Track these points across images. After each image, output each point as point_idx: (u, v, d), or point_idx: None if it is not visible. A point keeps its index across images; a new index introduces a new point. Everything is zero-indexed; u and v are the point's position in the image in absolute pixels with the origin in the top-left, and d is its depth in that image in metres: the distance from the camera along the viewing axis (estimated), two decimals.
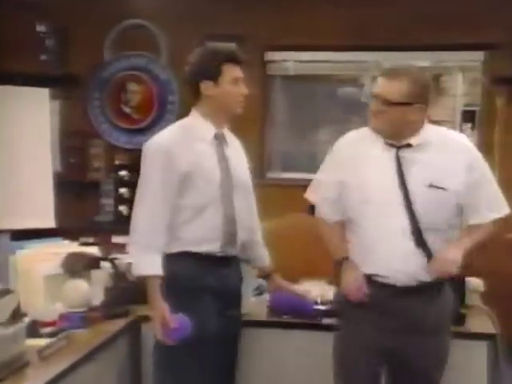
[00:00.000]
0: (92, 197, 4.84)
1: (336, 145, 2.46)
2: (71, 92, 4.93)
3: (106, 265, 2.71)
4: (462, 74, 4.86)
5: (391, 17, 4.63)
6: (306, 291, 2.69)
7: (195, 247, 2.25)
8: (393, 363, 2.32)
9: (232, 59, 2.29)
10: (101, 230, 4.34)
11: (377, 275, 2.25)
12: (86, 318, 2.43)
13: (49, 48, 4.90)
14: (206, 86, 2.26)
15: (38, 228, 4.01)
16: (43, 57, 4.87)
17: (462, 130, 4.75)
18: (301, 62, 4.95)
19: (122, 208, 4.68)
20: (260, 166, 4.94)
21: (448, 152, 2.24)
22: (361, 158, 2.32)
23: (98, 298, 2.58)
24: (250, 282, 2.82)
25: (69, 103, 4.92)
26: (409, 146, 2.25)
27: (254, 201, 2.54)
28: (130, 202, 4.62)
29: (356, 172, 2.29)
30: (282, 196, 4.69)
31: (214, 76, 2.26)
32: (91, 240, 3.17)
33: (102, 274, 2.67)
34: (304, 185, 4.74)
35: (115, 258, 2.75)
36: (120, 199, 4.71)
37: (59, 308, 2.47)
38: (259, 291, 2.97)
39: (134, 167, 2.38)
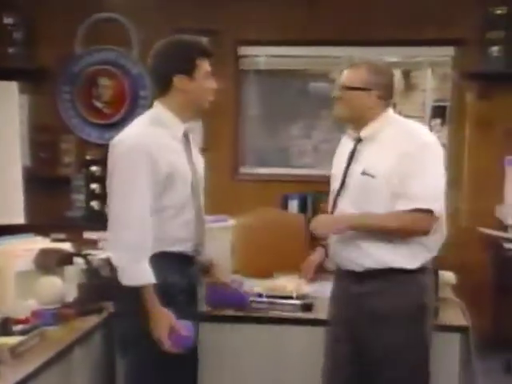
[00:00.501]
0: (63, 192, 4.79)
1: None
2: (40, 86, 4.87)
3: (78, 261, 2.67)
4: (431, 69, 4.92)
5: (363, 12, 4.67)
6: (239, 284, 2.64)
7: (171, 247, 2.22)
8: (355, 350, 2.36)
9: (205, 53, 2.26)
10: (72, 225, 4.28)
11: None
12: (59, 314, 2.40)
13: (17, 41, 4.82)
14: (181, 81, 2.21)
15: (8, 224, 3.94)
16: (11, 50, 4.79)
17: (431, 126, 4.81)
18: (273, 56, 4.96)
19: (94, 203, 4.64)
20: (233, 161, 4.94)
21: (391, 141, 2.30)
22: (338, 153, 2.50)
23: (71, 295, 2.55)
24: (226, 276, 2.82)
25: (38, 97, 4.86)
26: (361, 139, 2.36)
27: None
28: (101, 197, 4.59)
29: (333, 166, 2.50)
30: (256, 191, 4.70)
31: (189, 70, 2.22)
32: (63, 236, 3.11)
33: (75, 270, 2.64)
34: (277, 179, 4.83)
35: (88, 254, 2.72)
36: (91, 195, 4.67)
37: (31, 305, 2.44)
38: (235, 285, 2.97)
39: (106, 162, 2.30)
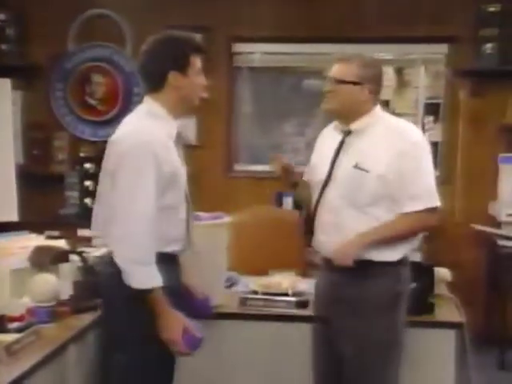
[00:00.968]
0: (56, 190, 4.78)
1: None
2: (33, 83, 4.86)
3: (73, 258, 2.66)
4: (424, 66, 4.93)
5: (356, 9, 4.68)
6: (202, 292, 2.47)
7: (166, 248, 2.20)
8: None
9: (198, 49, 2.25)
10: (66, 223, 4.27)
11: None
12: (55, 312, 2.38)
13: (9, 37, 4.81)
14: (175, 77, 2.19)
15: (2, 222, 3.92)
16: (4, 46, 4.78)
17: (424, 123, 4.83)
18: (267, 53, 4.96)
19: (87, 201, 4.63)
20: (227, 159, 4.94)
21: (383, 137, 2.33)
22: (320, 144, 2.54)
23: (66, 292, 2.54)
24: (221, 273, 2.82)
25: (31, 94, 4.85)
26: (350, 132, 2.38)
27: None
28: (95, 194, 4.56)
29: (313, 156, 2.54)
30: (250, 188, 4.70)
31: (183, 67, 2.21)
32: (57, 233, 3.10)
33: (70, 268, 2.62)
34: (271, 177, 4.82)
35: (83, 252, 2.70)
36: (85, 192, 4.66)
37: (26, 302, 2.43)
38: (230, 283, 2.97)
39: (100, 160, 2.27)
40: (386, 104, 4.69)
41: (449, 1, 4.58)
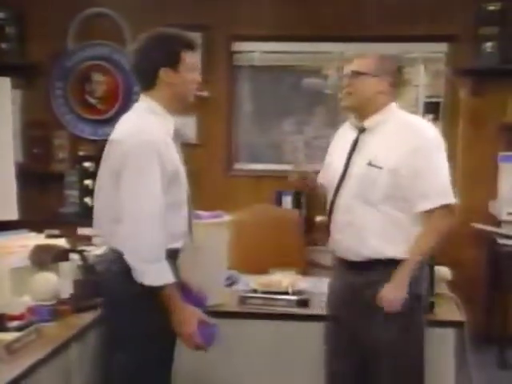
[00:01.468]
0: (56, 188, 4.77)
1: None
2: (33, 82, 4.85)
3: (74, 257, 2.66)
4: (424, 65, 4.92)
5: (356, 8, 4.67)
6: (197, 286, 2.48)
7: (170, 244, 2.20)
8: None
9: (189, 46, 2.25)
10: (65, 221, 4.27)
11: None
12: (55, 310, 2.39)
13: (9, 36, 4.79)
14: (166, 73, 2.20)
15: (2, 220, 3.92)
16: (3, 45, 4.77)
17: None
18: (266, 52, 4.95)
19: (87, 199, 4.62)
20: (227, 157, 4.94)
21: (396, 134, 2.33)
22: (335, 144, 2.54)
23: (66, 291, 2.54)
24: (222, 272, 2.82)
25: (31, 93, 4.84)
26: (364, 129, 2.38)
27: None
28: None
29: (328, 157, 2.55)
30: (249, 187, 4.70)
31: (175, 63, 2.21)
32: (57, 232, 3.10)
33: (71, 267, 2.62)
34: (270, 175, 4.83)
35: (84, 250, 2.70)
36: (85, 191, 4.65)
37: (27, 301, 2.43)
38: (230, 281, 2.97)
39: (100, 158, 2.27)
40: None
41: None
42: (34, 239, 2.77)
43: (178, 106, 2.27)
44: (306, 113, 5.07)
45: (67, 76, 4.84)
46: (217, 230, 2.71)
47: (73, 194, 4.73)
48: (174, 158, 2.19)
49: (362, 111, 2.39)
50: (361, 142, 2.38)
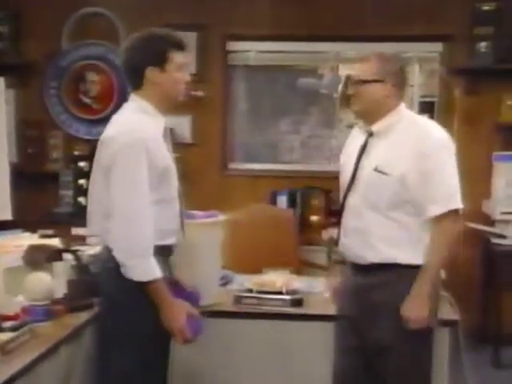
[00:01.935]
0: (50, 188, 4.77)
1: None
2: (27, 81, 4.84)
3: (68, 257, 2.66)
4: (419, 65, 4.93)
5: (351, 8, 4.68)
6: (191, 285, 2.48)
7: (161, 241, 2.22)
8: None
9: (178, 46, 2.26)
10: (60, 221, 4.27)
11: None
12: (49, 310, 2.38)
13: (3, 35, 4.79)
14: (153, 73, 2.22)
15: None
16: None
17: None
18: (262, 52, 4.95)
19: (82, 199, 4.61)
20: (222, 157, 4.94)
21: (404, 138, 2.30)
22: (348, 145, 2.51)
23: (60, 291, 2.53)
24: (216, 271, 2.82)
25: (25, 92, 4.83)
26: (372, 133, 2.36)
27: None
28: None
29: (342, 157, 2.52)
30: (245, 186, 4.70)
31: (161, 62, 2.22)
32: (51, 232, 3.10)
33: (64, 267, 2.61)
34: (266, 175, 4.83)
35: (77, 250, 2.70)
36: (79, 190, 4.64)
37: (21, 301, 2.42)
38: (225, 281, 2.97)
39: (94, 158, 2.29)
40: None
41: None
42: (27, 239, 2.76)
43: (168, 105, 2.29)
44: (302, 112, 5.07)
45: (62, 75, 4.83)
46: (211, 230, 2.71)
47: (67, 193, 4.72)
48: (165, 156, 2.21)
49: (371, 116, 2.37)
50: (369, 146, 2.36)
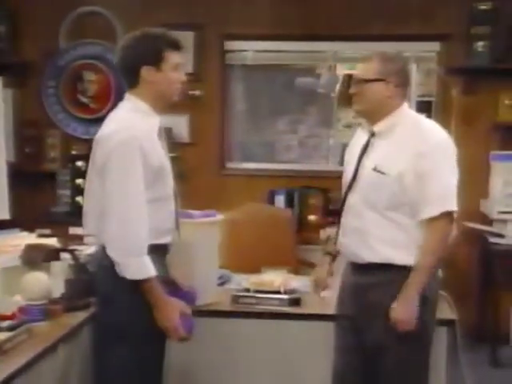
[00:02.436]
0: (48, 188, 4.77)
1: None
2: (25, 80, 4.83)
3: (65, 256, 2.66)
4: (416, 64, 4.93)
5: (349, 7, 4.68)
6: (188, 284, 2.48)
7: (157, 240, 2.22)
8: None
9: (173, 45, 2.26)
10: (57, 221, 4.26)
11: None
12: (47, 310, 2.38)
13: (1, 35, 4.77)
14: (148, 72, 2.22)
15: None
16: None
17: None
18: (259, 51, 4.95)
19: (79, 199, 4.60)
20: (220, 156, 4.93)
21: (404, 138, 2.30)
22: (352, 144, 2.51)
23: (57, 290, 2.53)
24: (214, 271, 2.81)
25: (23, 92, 4.83)
26: (374, 133, 2.36)
27: None
28: None
29: (346, 157, 2.52)
30: (242, 186, 4.70)
31: (157, 62, 2.23)
32: (48, 231, 3.10)
33: (62, 266, 2.61)
34: (263, 174, 4.84)
35: (75, 250, 2.70)
36: (77, 190, 4.63)
37: (18, 301, 2.42)
38: (222, 281, 2.97)
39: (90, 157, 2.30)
40: None
41: None
42: (25, 238, 2.77)
43: (163, 104, 2.30)
44: (300, 112, 5.07)
45: (59, 75, 4.83)
46: (209, 229, 2.71)
47: (65, 193, 4.72)
48: (159, 155, 2.22)
49: (373, 116, 2.36)
50: (371, 145, 2.36)
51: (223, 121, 4.97)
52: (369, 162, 2.34)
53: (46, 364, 2.10)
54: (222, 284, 2.95)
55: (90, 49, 4.83)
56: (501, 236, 4.28)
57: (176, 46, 2.27)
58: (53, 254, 2.64)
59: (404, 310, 2.26)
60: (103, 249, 2.19)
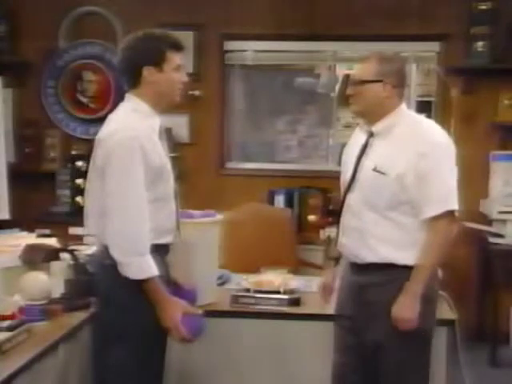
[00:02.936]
0: (48, 188, 4.77)
1: None
2: (25, 80, 4.84)
3: (65, 256, 2.66)
4: (416, 64, 4.94)
5: (348, 7, 4.68)
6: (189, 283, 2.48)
7: (158, 239, 2.22)
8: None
9: (175, 46, 2.27)
10: (57, 221, 4.26)
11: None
12: (47, 310, 2.38)
13: (0, 34, 4.77)
14: (150, 72, 2.22)
15: None
16: None
17: None
18: (258, 51, 4.96)
19: (79, 199, 4.61)
20: (219, 156, 4.94)
21: (404, 139, 2.30)
22: (350, 144, 2.50)
23: (57, 290, 2.54)
24: (213, 271, 2.82)
25: (22, 92, 4.83)
26: (373, 133, 2.36)
27: None
28: None
29: (344, 157, 2.52)
30: (242, 186, 4.70)
31: (158, 62, 2.23)
32: (48, 231, 3.10)
33: (62, 266, 2.62)
34: (263, 174, 4.84)
35: (75, 250, 2.70)
36: (77, 190, 4.64)
37: (18, 301, 2.42)
38: (222, 280, 2.97)
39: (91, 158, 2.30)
40: None
41: None
42: (25, 238, 2.77)
43: (164, 105, 2.30)
44: (299, 112, 5.08)
45: (59, 75, 4.83)
46: (208, 229, 2.71)
47: (64, 193, 4.72)
48: (160, 155, 2.22)
49: (371, 116, 2.36)
50: (369, 146, 2.36)
51: (223, 121, 4.97)
52: (368, 163, 2.34)
53: (46, 364, 2.10)
54: (221, 284, 2.95)
55: (89, 49, 4.83)
56: (500, 236, 4.28)
57: (178, 46, 2.28)
58: (53, 254, 2.65)
59: (406, 309, 2.26)
60: (105, 249, 2.19)
